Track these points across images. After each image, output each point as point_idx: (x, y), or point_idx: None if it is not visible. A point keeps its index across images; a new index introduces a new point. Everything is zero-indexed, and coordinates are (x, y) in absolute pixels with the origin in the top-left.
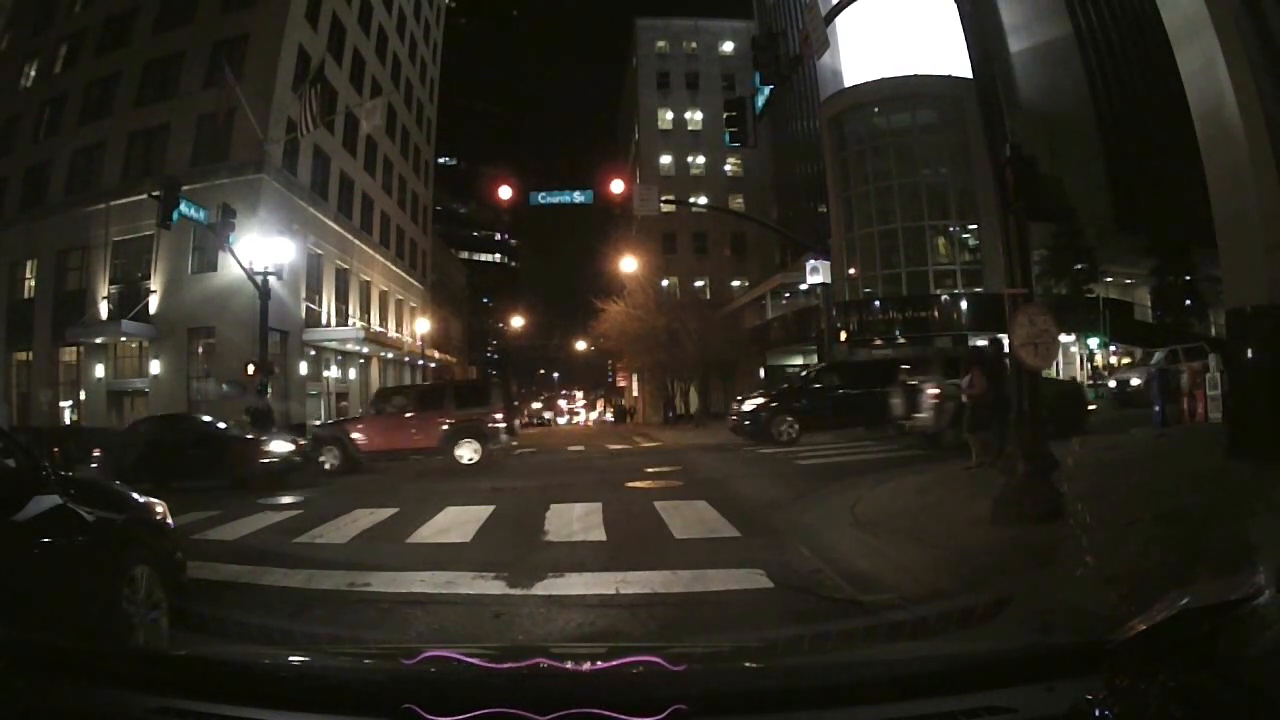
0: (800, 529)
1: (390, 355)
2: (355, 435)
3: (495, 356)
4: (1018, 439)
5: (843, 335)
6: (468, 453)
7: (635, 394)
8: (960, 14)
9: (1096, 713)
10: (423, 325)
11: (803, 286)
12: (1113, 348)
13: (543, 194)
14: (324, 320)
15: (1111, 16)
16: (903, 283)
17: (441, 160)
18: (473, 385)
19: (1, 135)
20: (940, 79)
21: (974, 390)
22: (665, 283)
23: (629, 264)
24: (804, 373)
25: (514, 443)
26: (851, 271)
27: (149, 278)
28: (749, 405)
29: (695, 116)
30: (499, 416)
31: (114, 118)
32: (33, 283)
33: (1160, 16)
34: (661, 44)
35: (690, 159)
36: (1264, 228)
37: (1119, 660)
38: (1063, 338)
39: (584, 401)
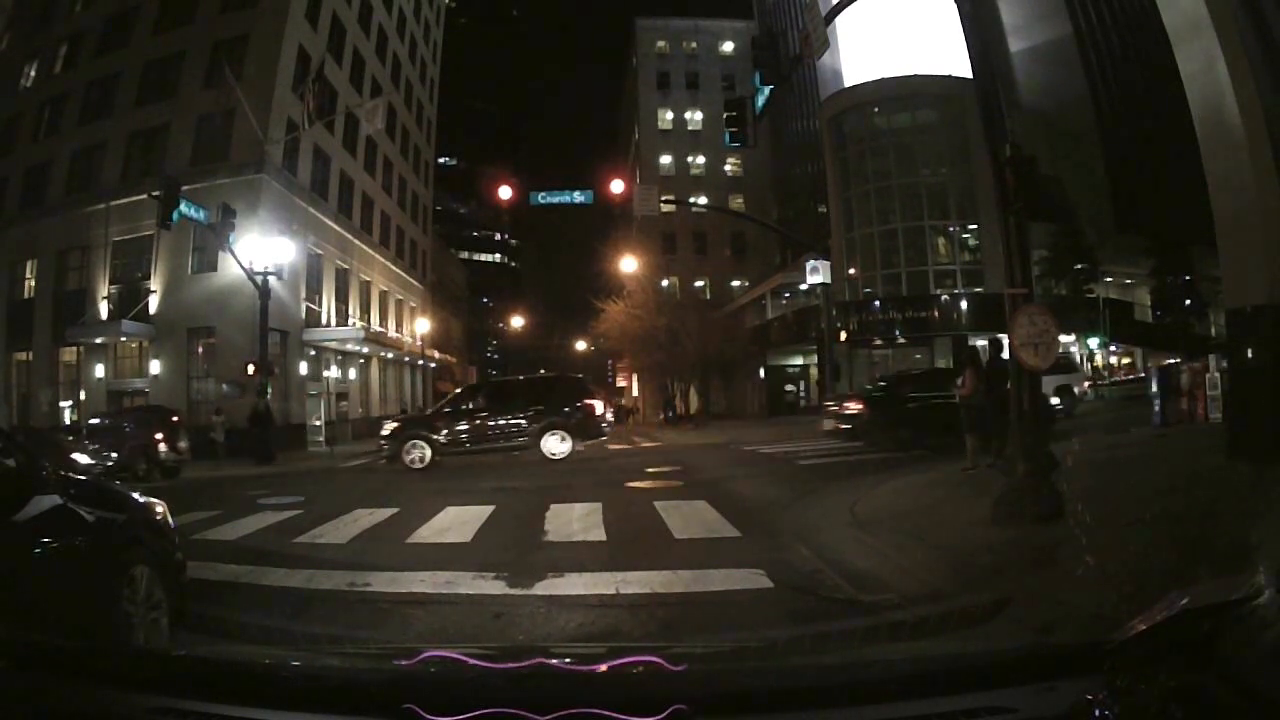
0: (800, 529)
1: (390, 355)
2: None
3: (495, 356)
4: (1018, 439)
5: (843, 335)
6: None
7: (635, 394)
8: (960, 14)
9: (1096, 713)
10: (423, 325)
11: (803, 286)
12: (1113, 347)
13: (543, 194)
14: (324, 320)
15: (1111, 16)
16: (903, 283)
17: (441, 160)
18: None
19: (1, 135)
20: (940, 79)
21: (965, 391)
22: (665, 283)
23: (629, 264)
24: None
25: None
26: (851, 271)
27: (149, 278)
28: (387, 428)
29: (695, 116)
30: None
31: (114, 118)
32: (33, 283)
33: (1160, 16)
34: (661, 44)
35: (690, 159)
36: (1264, 228)
37: (1119, 660)
38: (1063, 338)
39: None
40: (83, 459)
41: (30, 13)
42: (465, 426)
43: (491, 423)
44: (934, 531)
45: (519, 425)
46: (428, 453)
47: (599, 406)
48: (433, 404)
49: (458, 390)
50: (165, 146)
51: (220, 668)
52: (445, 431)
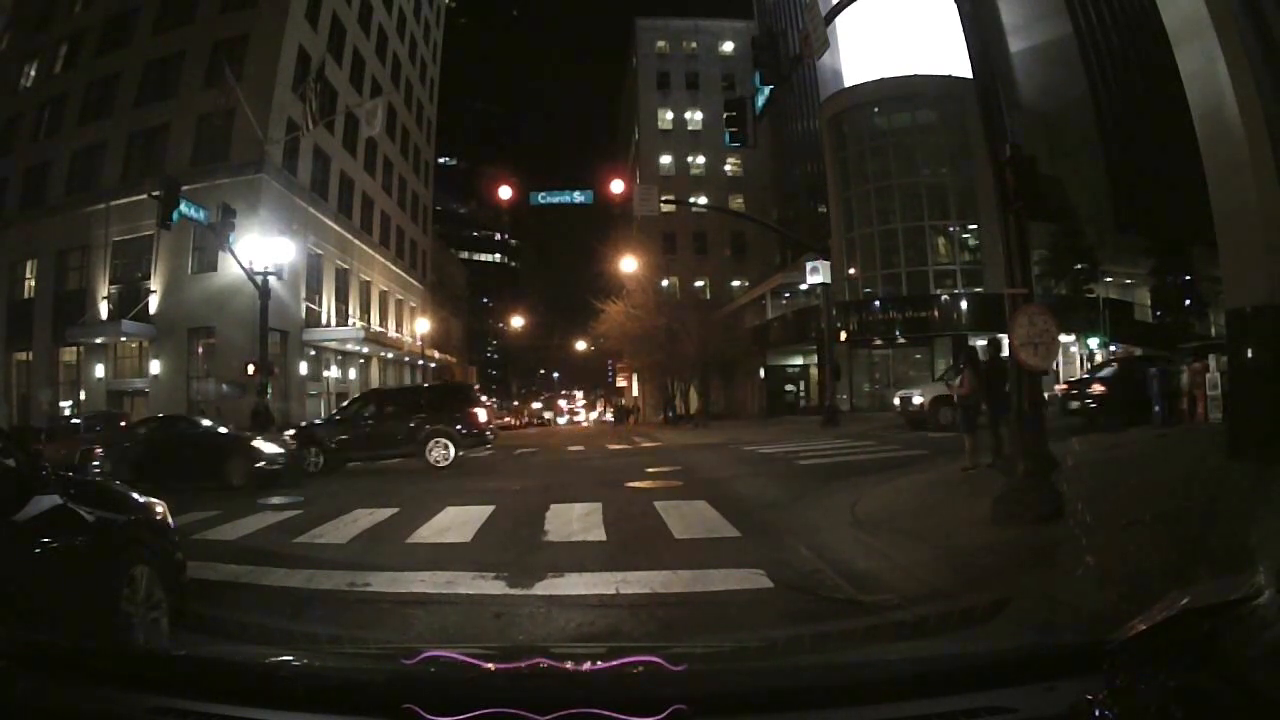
0: (800, 529)
1: (390, 355)
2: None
3: (495, 356)
4: (1018, 439)
5: (843, 335)
6: None
7: (635, 394)
8: (960, 14)
9: (1096, 713)
10: (423, 325)
11: (803, 286)
12: (1113, 347)
13: (543, 194)
14: (324, 320)
15: (1111, 16)
16: (903, 283)
17: (441, 160)
18: None
19: (1, 135)
20: (940, 79)
21: (964, 391)
22: (665, 283)
23: (629, 264)
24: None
25: None
26: (851, 271)
27: (149, 278)
28: (288, 433)
29: (695, 116)
30: None
31: (114, 118)
32: (33, 283)
33: (1160, 16)
34: (661, 44)
35: (690, 159)
36: (1264, 228)
37: (1119, 660)
38: (1063, 338)
39: (584, 401)
40: (267, 448)
41: (30, 13)
42: (355, 433)
43: (379, 430)
44: (934, 531)
45: (405, 432)
46: (321, 458)
47: (482, 415)
48: None
49: (355, 397)
50: (165, 146)
51: (220, 668)
52: (335, 438)
